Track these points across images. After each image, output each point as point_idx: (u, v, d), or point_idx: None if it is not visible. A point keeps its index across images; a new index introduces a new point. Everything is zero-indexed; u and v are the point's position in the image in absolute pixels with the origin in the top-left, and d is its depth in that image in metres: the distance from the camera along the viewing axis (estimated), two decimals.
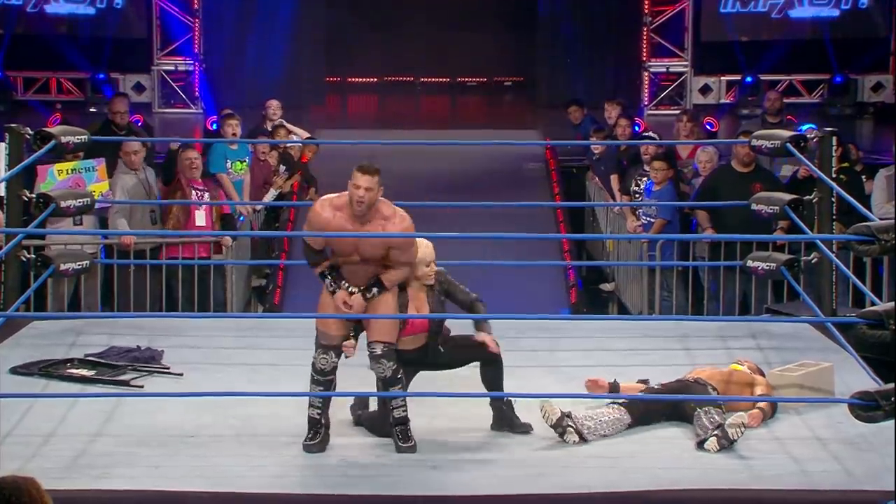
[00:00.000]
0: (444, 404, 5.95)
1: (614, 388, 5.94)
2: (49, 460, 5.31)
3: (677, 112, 13.52)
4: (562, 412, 5.56)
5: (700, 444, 5.50)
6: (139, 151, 8.89)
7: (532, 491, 5.05)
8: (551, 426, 5.57)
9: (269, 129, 11.03)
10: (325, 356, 5.49)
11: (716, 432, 5.48)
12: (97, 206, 7.83)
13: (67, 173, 8.17)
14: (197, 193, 8.79)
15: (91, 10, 15.23)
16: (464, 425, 5.77)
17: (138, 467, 5.26)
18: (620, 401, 5.75)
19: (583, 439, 5.55)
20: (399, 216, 5.50)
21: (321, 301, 5.57)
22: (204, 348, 7.02)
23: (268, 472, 5.26)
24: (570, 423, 5.55)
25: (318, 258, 5.54)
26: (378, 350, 5.47)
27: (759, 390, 5.97)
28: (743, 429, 5.48)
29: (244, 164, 9.85)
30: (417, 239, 5.75)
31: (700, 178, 9.60)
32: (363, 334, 5.64)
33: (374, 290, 5.51)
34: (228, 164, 9.73)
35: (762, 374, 6.15)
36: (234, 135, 9.80)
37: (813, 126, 7.70)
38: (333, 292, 5.46)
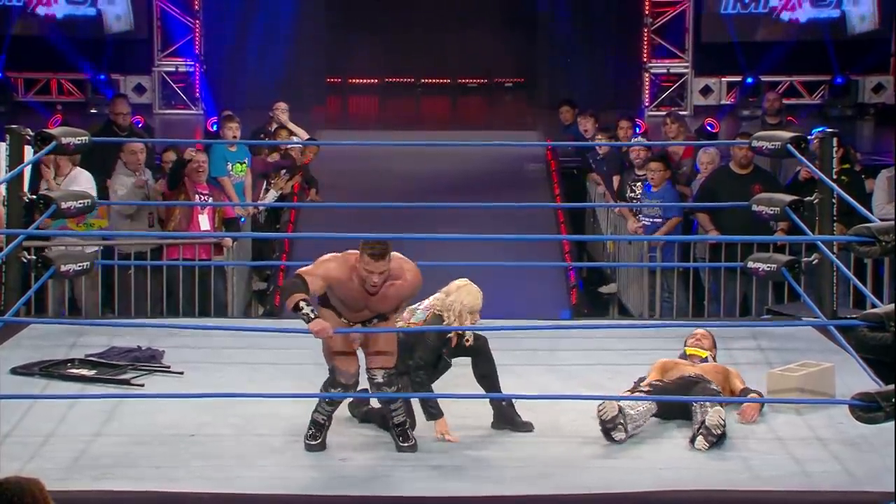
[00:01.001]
0: (445, 403, 5.94)
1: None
2: (49, 461, 5.31)
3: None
4: (619, 408, 5.58)
5: (692, 441, 5.53)
6: (143, 151, 8.92)
7: (533, 492, 5.05)
8: (605, 420, 5.56)
9: (272, 129, 11.02)
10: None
11: (701, 431, 5.50)
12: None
13: None
14: (201, 198, 8.80)
15: (92, 11, 15.22)
16: (464, 425, 5.77)
17: (139, 468, 5.26)
18: (646, 392, 5.82)
19: (628, 436, 5.57)
20: (408, 273, 5.37)
21: (329, 342, 5.43)
22: (204, 348, 7.02)
23: (268, 472, 5.26)
24: (621, 421, 5.56)
25: (301, 292, 5.21)
26: (379, 378, 5.41)
27: (737, 382, 6.01)
28: (722, 425, 5.50)
29: (244, 165, 9.84)
30: (468, 287, 5.74)
31: (702, 178, 9.61)
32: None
33: (375, 320, 5.46)
34: (229, 167, 9.72)
35: (715, 345, 6.22)
36: (234, 137, 9.79)
37: (823, 129, 7.68)
38: (303, 315, 5.22)
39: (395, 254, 5.38)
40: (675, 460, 5.40)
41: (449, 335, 5.77)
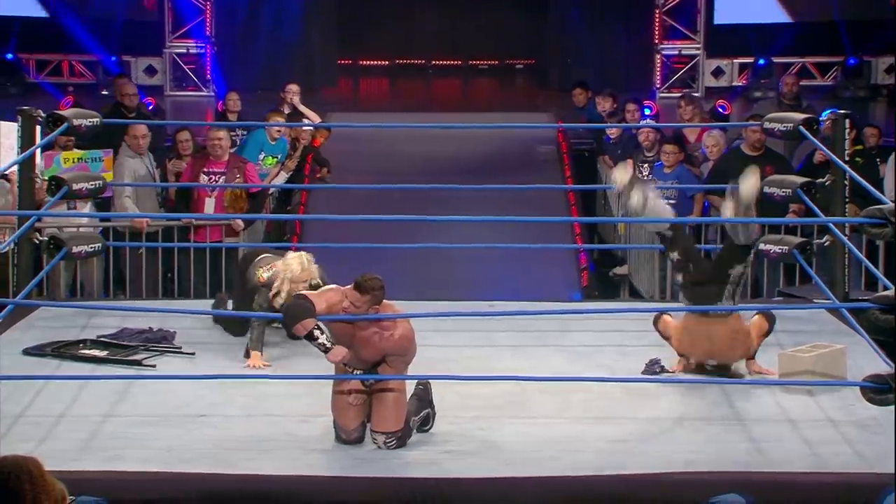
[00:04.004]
0: (453, 384, 5.95)
1: None
2: (61, 441, 5.33)
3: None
4: (631, 176, 6.06)
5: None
6: (146, 136, 8.89)
7: (543, 473, 5.05)
8: (621, 189, 6.05)
9: (286, 112, 10.99)
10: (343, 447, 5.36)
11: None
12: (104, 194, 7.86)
13: (74, 162, 8.17)
14: (211, 178, 8.76)
15: None
16: (472, 406, 5.78)
17: (150, 449, 5.27)
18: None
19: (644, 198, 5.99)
20: (398, 330, 5.24)
21: (334, 396, 5.38)
22: (215, 329, 7.04)
23: (279, 453, 5.26)
24: (637, 183, 5.98)
25: (306, 314, 5.16)
26: (380, 442, 5.30)
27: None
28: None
29: (275, 160, 9.76)
30: (297, 258, 6.38)
31: (708, 162, 9.60)
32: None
33: (371, 381, 5.31)
34: (261, 157, 9.65)
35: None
36: (277, 132, 9.72)
37: (833, 110, 7.65)
38: (328, 350, 5.19)
39: (395, 304, 5.32)
40: (686, 443, 5.40)
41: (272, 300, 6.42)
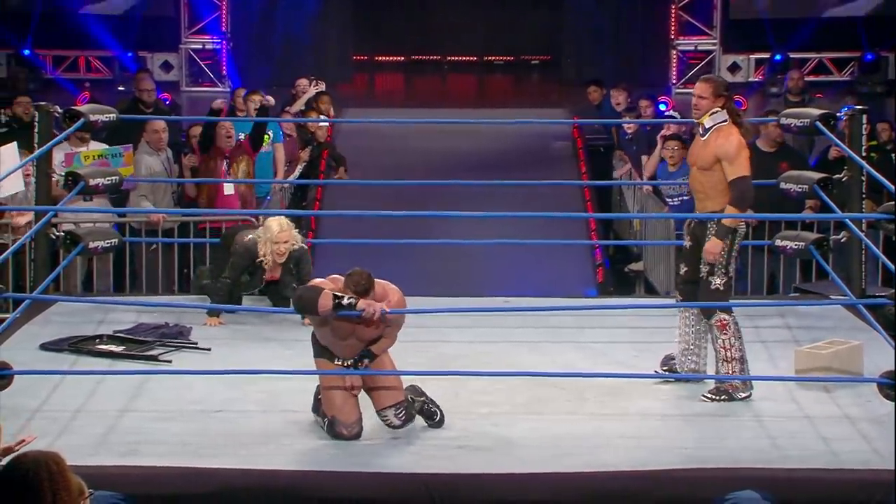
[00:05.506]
0: (467, 380, 5.95)
1: None
2: (78, 436, 5.35)
3: None
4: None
5: None
6: (166, 130, 8.88)
7: (556, 469, 5.05)
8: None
9: (302, 109, 10.97)
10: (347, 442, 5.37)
11: None
12: (122, 186, 7.87)
13: (94, 159, 8.17)
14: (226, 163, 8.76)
15: None
16: (487, 402, 5.78)
17: (166, 444, 5.29)
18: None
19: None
20: (392, 297, 5.31)
21: (327, 393, 5.40)
22: (231, 324, 7.06)
23: (294, 448, 5.28)
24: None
25: (318, 293, 5.22)
26: (391, 417, 5.36)
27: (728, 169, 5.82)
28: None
29: (267, 137, 9.71)
30: (275, 220, 6.96)
31: None
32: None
33: (366, 360, 5.40)
34: (241, 137, 9.61)
35: (720, 92, 5.88)
36: (255, 110, 9.71)
37: (849, 107, 7.60)
38: (347, 305, 5.18)
39: (379, 280, 5.33)
40: (703, 439, 5.40)
41: (262, 263, 6.98)
